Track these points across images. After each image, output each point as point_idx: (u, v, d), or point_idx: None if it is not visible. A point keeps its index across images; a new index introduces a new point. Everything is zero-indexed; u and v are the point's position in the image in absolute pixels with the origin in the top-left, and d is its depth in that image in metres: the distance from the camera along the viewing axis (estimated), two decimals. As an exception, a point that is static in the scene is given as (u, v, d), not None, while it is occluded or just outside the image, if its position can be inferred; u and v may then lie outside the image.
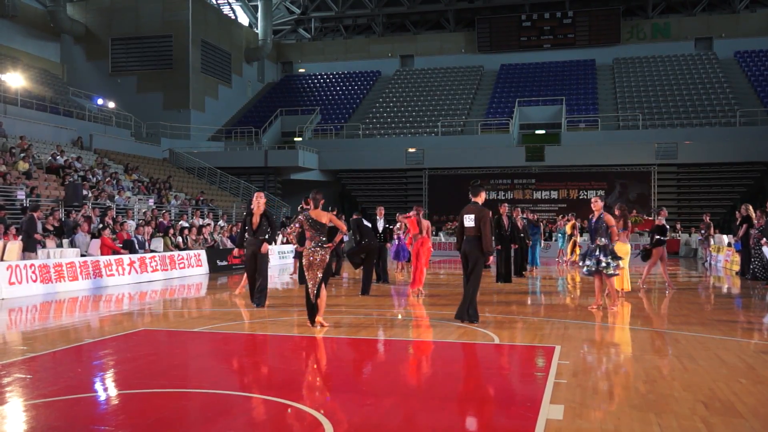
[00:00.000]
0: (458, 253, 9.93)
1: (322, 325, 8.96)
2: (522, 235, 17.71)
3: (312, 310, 8.97)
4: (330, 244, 9.05)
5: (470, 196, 9.69)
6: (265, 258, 11.21)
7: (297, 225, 9.10)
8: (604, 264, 10.61)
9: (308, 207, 15.57)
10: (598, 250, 10.72)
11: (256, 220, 11.11)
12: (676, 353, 7.36)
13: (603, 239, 10.68)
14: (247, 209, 12.02)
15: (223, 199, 32.59)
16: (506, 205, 16.88)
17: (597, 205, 10.92)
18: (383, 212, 15.57)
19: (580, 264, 11.37)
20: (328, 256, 8.92)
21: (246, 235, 11.27)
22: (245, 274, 11.96)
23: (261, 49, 46.87)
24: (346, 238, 17.09)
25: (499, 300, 12.52)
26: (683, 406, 5.31)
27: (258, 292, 11.20)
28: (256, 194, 11.43)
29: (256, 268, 11.17)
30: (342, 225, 9.18)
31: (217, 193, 33.67)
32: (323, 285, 8.92)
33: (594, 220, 10.88)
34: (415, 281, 12.84)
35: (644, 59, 43.58)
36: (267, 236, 11.13)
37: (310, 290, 8.88)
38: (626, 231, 12.66)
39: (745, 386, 5.92)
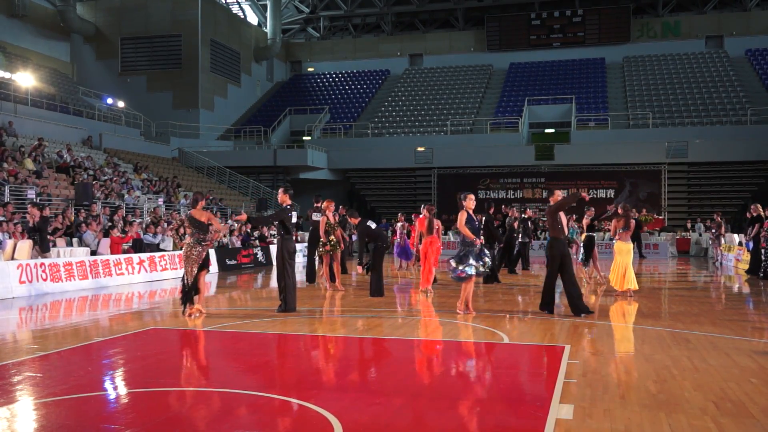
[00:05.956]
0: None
1: (200, 312, 10.04)
2: (516, 234, 18.06)
3: (187, 300, 9.96)
4: (208, 243, 10.13)
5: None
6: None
7: (178, 223, 9.77)
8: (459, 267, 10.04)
9: (318, 205, 15.59)
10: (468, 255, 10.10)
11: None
12: (687, 353, 7.32)
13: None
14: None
15: (232, 199, 32.64)
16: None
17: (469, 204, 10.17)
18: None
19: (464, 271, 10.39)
20: (205, 253, 10.04)
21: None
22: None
23: (270, 49, 46.91)
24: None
25: (508, 299, 12.48)
26: (694, 406, 5.28)
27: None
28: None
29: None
30: (219, 224, 10.28)
31: (226, 192, 33.73)
32: (200, 277, 9.99)
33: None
34: (423, 280, 12.81)
35: (654, 58, 43.35)
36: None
37: (186, 281, 9.93)
38: (627, 231, 12.50)
39: (756, 386, 5.88)
